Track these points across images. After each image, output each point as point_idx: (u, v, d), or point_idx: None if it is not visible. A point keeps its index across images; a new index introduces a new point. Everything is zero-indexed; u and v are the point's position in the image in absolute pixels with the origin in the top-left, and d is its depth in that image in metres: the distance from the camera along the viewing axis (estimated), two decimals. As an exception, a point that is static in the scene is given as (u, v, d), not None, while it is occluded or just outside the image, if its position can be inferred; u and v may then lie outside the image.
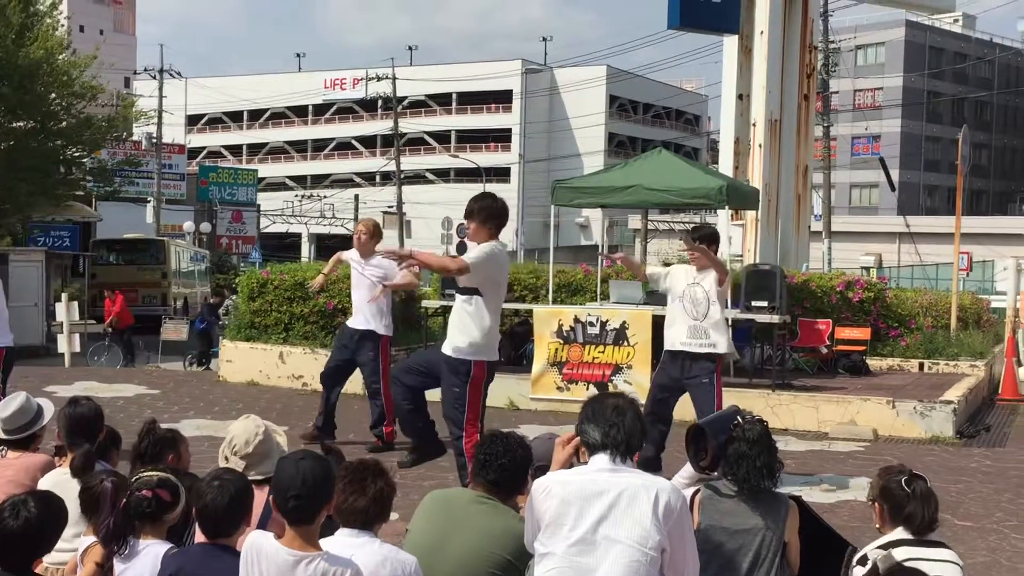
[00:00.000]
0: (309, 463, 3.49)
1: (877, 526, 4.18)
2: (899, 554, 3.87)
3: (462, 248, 42.68)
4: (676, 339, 8.25)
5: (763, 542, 4.05)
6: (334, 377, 9.88)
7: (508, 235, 66.26)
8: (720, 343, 8.13)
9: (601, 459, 3.69)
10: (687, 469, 4.38)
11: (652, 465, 7.95)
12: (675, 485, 3.80)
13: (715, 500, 4.17)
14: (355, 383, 10.19)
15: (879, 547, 3.99)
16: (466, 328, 6.80)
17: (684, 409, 8.73)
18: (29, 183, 26.84)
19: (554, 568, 3.61)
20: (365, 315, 9.57)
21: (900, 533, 4.07)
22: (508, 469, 4.20)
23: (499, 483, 4.21)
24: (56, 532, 3.74)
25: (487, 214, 6.80)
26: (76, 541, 4.34)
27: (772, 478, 4.15)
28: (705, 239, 8.27)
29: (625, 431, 3.70)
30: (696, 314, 8.17)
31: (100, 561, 4.00)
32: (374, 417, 9.76)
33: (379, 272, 9.38)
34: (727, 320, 8.52)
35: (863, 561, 3.88)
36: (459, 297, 6.97)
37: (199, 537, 3.93)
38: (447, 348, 6.94)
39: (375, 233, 9.65)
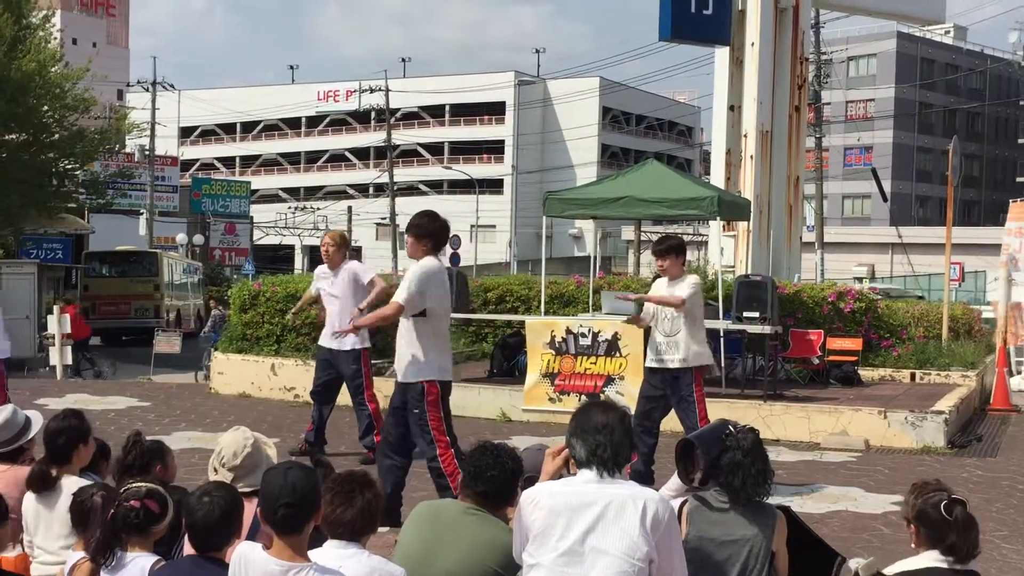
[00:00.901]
0: (297, 472, 3.49)
1: (913, 545, 4.00)
2: None
3: (456, 260, 42.67)
4: (651, 355, 8.38)
5: (751, 552, 4.03)
6: (323, 395, 9.91)
7: (502, 246, 66.39)
8: (690, 357, 8.20)
9: (589, 474, 3.70)
10: (674, 481, 4.37)
11: (643, 480, 7.97)
12: (663, 496, 3.79)
13: (703, 511, 4.16)
14: (345, 395, 10.21)
15: (909, 571, 3.86)
16: (414, 350, 6.90)
17: (675, 421, 8.76)
18: (21, 195, 26.79)
19: (542, 580, 3.60)
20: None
21: (936, 559, 3.87)
22: (498, 480, 4.20)
23: (488, 494, 4.21)
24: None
25: (419, 232, 6.93)
26: (64, 553, 4.33)
27: (766, 486, 4.13)
28: (672, 250, 8.35)
29: (613, 447, 3.69)
30: (667, 329, 8.25)
31: (91, 570, 4.00)
32: (362, 428, 9.78)
33: (346, 283, 9.44)
34: (706, 333, 8.55)
35: None
36: (403, 321, 6.99)
37: (187, 549, 3.91)
38: (400, 375, 6.99)
39: (342, 243, 9.75)
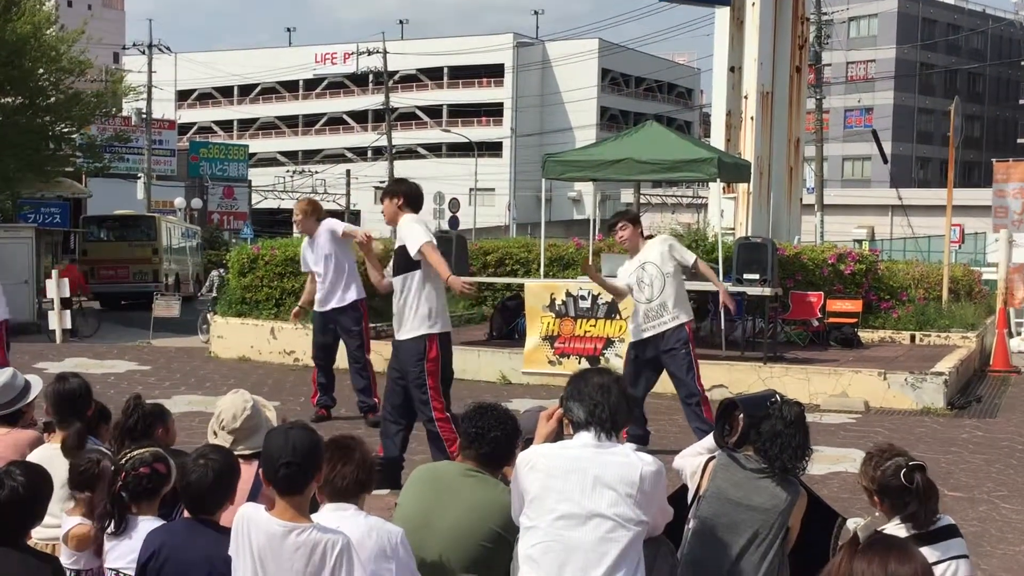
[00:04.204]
0: (298, 432, 3.48)
1: (877, 513, 3.95)
2: None
3: (455, 223, 42.50)
4: (637, 329, 8.38)
5: (764, 522, 3.98)
6: (325, 358, 9.94)
7: (501, 209, 66.12)
8: (680, 315, 8.27)
9: (586, 436, 3.69)
10: (708, 440, 4.32)
11: (641, 442, 8.00)
12: (657, 460, 3.76)
13: (731, 469, 4.08)
14: (342, 358, 10.19)
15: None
16: (413, 307, 6.83)
17: (670, 385, 8.74)
18: (18, 159, 26.66)
19: (539, 543, 3.61)
20: (334, 293, 9.56)
21: (899, 528, 3.78)
22: (500, 442, 4.19)
23: (491, 455, 4.20)
24: (44, 500, 3.72)
25: (409, 199, 6.91)
26: (62, 517, 4.32)
27: (804, 461, 4.05)
28: (630, 219, 8.47)
29: (610, 409, 3.69)
30: (649, 295, 8.25)
31: (89, 532, 4.02)
32: (360, 387, 9.76)
33: (328, 241, 9.43)
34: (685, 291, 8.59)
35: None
36: (397, 280, 6.92)
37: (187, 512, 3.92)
38: (399, 333, 6.92)
39: (312, 210, 9.73)
